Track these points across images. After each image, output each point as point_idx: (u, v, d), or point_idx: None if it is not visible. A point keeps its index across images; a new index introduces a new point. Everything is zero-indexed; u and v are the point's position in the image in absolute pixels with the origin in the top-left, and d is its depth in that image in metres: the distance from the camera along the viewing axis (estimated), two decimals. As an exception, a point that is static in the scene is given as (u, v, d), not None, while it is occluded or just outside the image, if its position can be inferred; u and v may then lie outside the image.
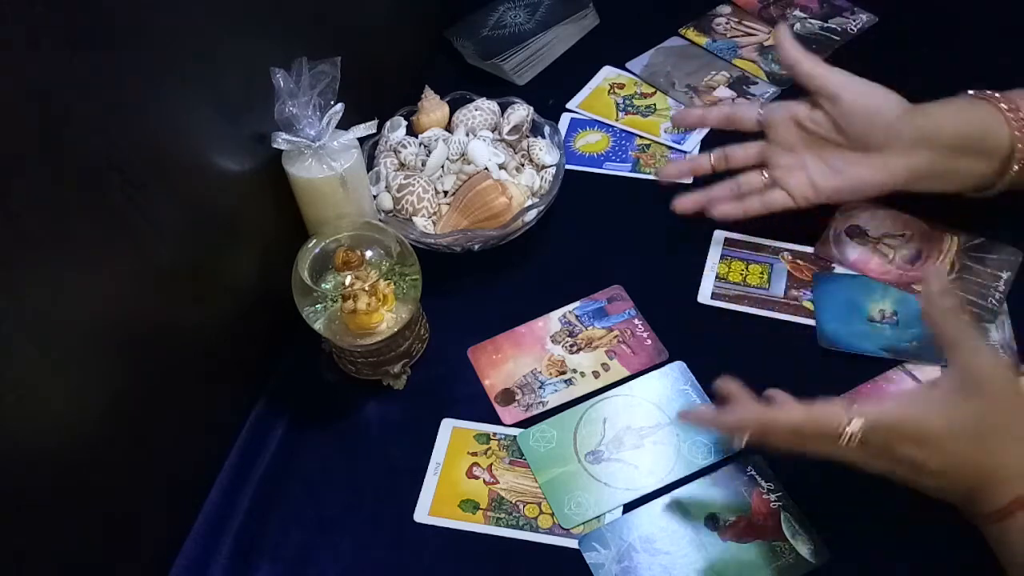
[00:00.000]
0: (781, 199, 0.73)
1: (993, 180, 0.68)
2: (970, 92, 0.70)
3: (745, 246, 0.78)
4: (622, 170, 0.87)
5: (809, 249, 0.77)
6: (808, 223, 0.78)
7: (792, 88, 0.91)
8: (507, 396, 0.70)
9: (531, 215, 0.76)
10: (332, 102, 0.67)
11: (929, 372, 0.67)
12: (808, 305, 0.72)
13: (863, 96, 0.69)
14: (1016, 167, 0.67)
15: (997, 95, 0.68)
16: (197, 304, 0.63)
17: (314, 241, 0.68)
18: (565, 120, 0.92)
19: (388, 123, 0.83)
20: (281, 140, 0.66)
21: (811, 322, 0.71)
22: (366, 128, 0.71)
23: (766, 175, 0.75)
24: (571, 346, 0.73)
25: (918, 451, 0.53)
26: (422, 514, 0.64)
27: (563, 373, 0.71)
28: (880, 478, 0.62)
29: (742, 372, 0.69)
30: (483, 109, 0.84)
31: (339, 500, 0.66)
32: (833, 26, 0.98)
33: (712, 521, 0.61)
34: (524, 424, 0.68)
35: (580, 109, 0.93)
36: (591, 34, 1.02)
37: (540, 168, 0.81)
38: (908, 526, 0.60)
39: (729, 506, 0.62)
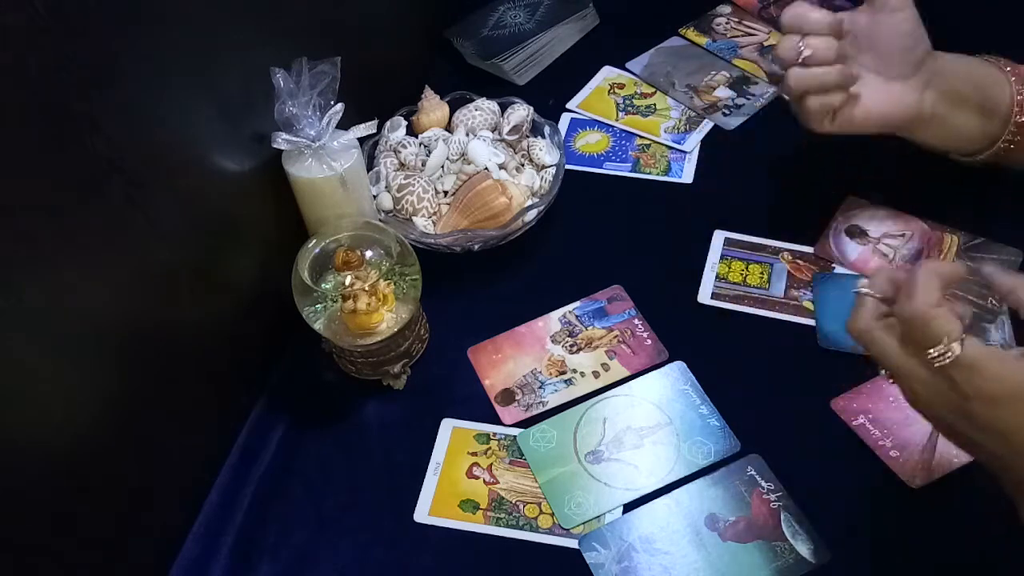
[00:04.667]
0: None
1: (984, 143, 0.70)
2: (985, 56, 0.71)
3: (745, 246, 0.78)
4: (622, 170, 0.87)
5: (809, 249, 0.77)
6: (808, 223, 0.78)
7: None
8: (507, 396, 0.70)
9: (531, 215, 0.76)
10: (332, 102, 0.67)
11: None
12: (808, 305, 0.72)
13: (912, 22, 0.67)
14: (1010, 134, 0.68)
15: (1008, 63, 0.69)
16: (197, 304, 0.63)
17: (314, 241, 0.68)
18: (565, 120, 0.92)
19: (388, 123, 0.83)
20: (281, 140, 0.66)
21: (811, 322, 0.71)
22: (366, 128, 0.71)
23: None
24: (571, 346, 0.73)
25: (988, 409, 0.49)
26: (422, 514, 0.64)
27: (563, 373, 0.71)
28: (880, 480, 0.62)
29: (742, 372, 0.69)
30: (483, 109, 0.84)
31: (339, 500, 0.66)
32: (833, 26, 0.98)
33: (712, 521, 0.61)
34: (524, 424, 0.68)
35: (580, 109, 0.93)
36: (591, 34, 1.02)
37: (540, 168, 0.81)
38: (908, 526, 0.60)
39: (729, 506, 0.62)
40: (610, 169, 0.87)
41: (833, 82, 0.67)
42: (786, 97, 0.70)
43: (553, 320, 0.75)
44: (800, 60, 0.67)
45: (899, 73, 0.68)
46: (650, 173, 0.86)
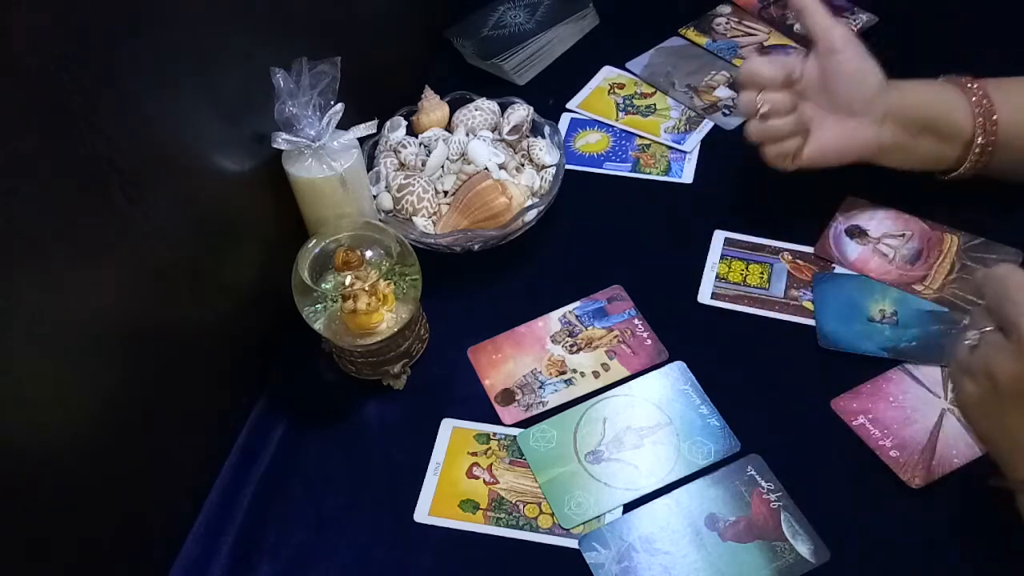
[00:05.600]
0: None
1: (954, 164, 0.72)
2: (949, 76, 0.72)
3: (745, 246, 0.78)
4: (622, 170, 0.87)
5: (809, 249, 0.77)
6: (808, 223, 0.78)
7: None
8: (507, 396, 0.70)
9: (531, 215, 0.76)
10: (332, 102, 0.67)
11: (929, 372, 0.67)
12: (808, 305, 0.72)
13: (858, 59, 0.70)
14: (974, 156, 0.70)
15: (973, 83, 0.71)
16: (197, 304, 0.63)
17: (314, 241, 0.68)
18: (565, 120, 0.92)
19: (388, 123, 0.83)
20: (281, 140, 0.66)
21: (811, 322, 0.71)
22: (366, 128, 0.71)
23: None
24: (571, 346, 0.73)
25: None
26: (422, 514, 0.64)
27: (563, 373, 0.71)
28: (880, 480, 0.62)
29: (742, 372, 0.69)
30: (483, 109, 0.84)
31: (339, 500, 0.66)
32: (833, 26, 0.98)
33: (712, 521, 0.61)
34: (524, 424, 0.68)
35: (580, 109, 0.93)
36: (591, 34, 1.02)
37: (540, 168, 0.81)
38: (908, 526, 0.60)
39: (729, 506, 0.62)
40: (610, 169, 0.87)
41: (788, 132, 0.71)
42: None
43: (553, 320, 0.75)
44: (759, 115, 0.71)
45: (853, 110, 0.71)
46: (650, 173, 0.86)
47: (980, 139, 0.69)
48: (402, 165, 0.81)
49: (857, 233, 0.77)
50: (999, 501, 0.55)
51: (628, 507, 0.63)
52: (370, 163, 0.81)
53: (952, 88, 0.71)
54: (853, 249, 0.76)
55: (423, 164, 0.81)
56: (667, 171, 0.86)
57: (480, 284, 0.78)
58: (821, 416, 0.66)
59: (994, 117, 0.69)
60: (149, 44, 0.53)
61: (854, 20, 0.98)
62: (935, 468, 0.61)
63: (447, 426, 0.69)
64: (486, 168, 0.79)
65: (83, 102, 0.48)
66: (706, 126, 0.89)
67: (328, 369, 0.73)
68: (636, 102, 0.93)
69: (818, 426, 0.65)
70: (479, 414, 0.69)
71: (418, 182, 0.78)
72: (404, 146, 0.81)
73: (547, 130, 0.83)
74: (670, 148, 0.88)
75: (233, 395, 0.71)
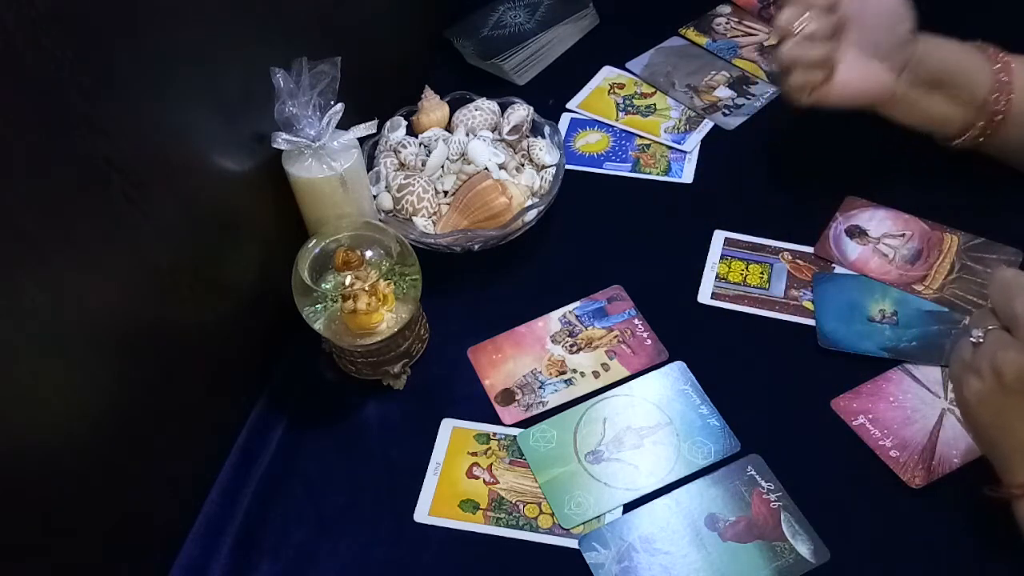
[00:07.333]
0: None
1: (959, 130, 0.71)
2: (978, 42, 0.72)
3: (745, 246, 0.78)
4: (622, 170, 0.87)
5: (809, 249, 0.77)
6: (808, 223, 0.78)
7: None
8: (507, 396, 0.70)
9: (531, 215, 0.76)
10: (332, 102, 0.67)
11: (929, 372, 0.67)
12: (808, 305, 0.72)
13: (898, 0, 0.69)
14: (981, 126, 0.70)
15: (1000, 54, 0.70)
16: (197, 304, 0.63)
17: (314, 241, 0.68)
18: (565, 120, 0.92)
19: (388, 123, 0.83)
20: (281, 140, 0.66)
21: (811, 322, 0.71)
22: (366, 128, 0.71)
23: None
24: (571, 346, 0.73)
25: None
26: (422, 514, 0.64)
27: (563, 373, 0.71)
28: (880, 480, 0.62)
29: (742, 372, 0.69)
30: (483, 109, 0.84)
31: (339, 500, 0.66)
32: (833, 26, 0.98)
33: (712, 521, 0.61)
34: (524, 424, 0.68)
35: (580, 109, 0.93)
36: (591, 34, 1.02)
37: (540, 168, 0.81)
38: (908, 526, 0.60)
39: (729, 506, 0.62)
40: (610, 169, 0.87)
41: (820, 60, 0.69)
42: (775, 69, 0.72)
43: (553, 320, 0.75)
44: (798, 33, 0.68)
45: (879, 51, 0.70)
46: (650, 173, 0.86)
47: (991, 107, 0.69)
48: (402, 165, 0.81)
49: (857, 233, 0.77)
50: (996, 510, 0.55)
51: (628, 507, 0.63)
52: (370, 163, 0.81)
53: (977, 53, 0.71)
54: (853, 249, 0.76)
55: (423, 164, 0.81)
56: (667, 171, 0.86)
57: (480, 284, 0.78)
58: (821, 416, 0.66)
59: (1010, 91, 0.69)
60: (149, 44, 0.53)
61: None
62: (935, 468, 0.61)
63: (447, 426, 0.69)
64: (486, 168, 0.79)
65: (83, 102, 0.48)
66: (706, 126, 0.89)
67: (328, 369, 0.73)
68: (636, 102, 0.93)
69: (818, 426, 0.65)
70: (479, 414, 0.69)
71: (418, 182, 0.78)
72: (404, 146, 0.81)
73: (547, 130, 0.83)
74: (670, 148, 0.88)
75: (233, 395, 0.71)
